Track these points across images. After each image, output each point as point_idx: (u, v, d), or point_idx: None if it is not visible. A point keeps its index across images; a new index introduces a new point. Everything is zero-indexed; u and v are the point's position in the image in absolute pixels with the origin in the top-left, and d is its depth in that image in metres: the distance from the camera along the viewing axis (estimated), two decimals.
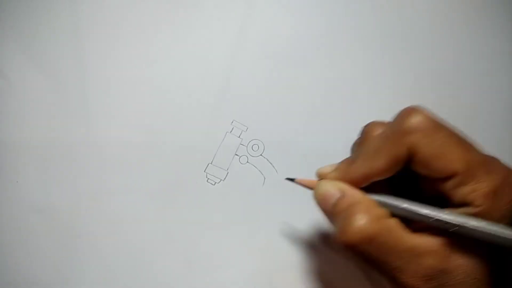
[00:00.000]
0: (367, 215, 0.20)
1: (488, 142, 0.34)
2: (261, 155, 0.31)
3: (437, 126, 0.20)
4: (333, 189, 0.23)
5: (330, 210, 0.22)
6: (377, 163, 0.21)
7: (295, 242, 0.31)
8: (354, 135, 0.32)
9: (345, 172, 0.23)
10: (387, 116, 0.32)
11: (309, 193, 0.31)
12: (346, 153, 0.32)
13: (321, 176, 0.24)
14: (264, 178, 0.31)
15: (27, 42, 0.31)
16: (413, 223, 0.21)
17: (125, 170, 0.31)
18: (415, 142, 0.20)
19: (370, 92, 0.32)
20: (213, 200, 0.31)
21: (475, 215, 0.19)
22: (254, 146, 0.31)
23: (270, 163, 0.31)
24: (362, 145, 0.23)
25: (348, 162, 0.23)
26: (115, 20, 0.31)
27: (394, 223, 0.21)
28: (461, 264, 0.20)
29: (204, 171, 0.31)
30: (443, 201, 0.21)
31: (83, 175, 0.31)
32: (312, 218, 0.31)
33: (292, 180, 0.26)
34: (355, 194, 0.22)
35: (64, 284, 0.30)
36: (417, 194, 0.22)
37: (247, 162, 0.31)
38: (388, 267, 0.20)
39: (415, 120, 0.20)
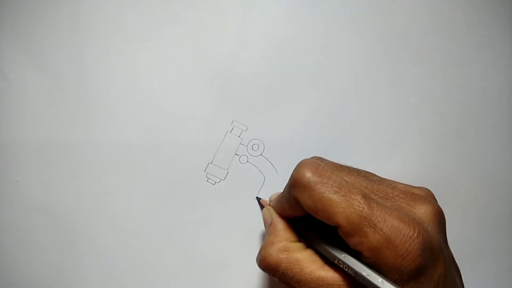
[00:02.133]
0: (276, 246, 0.24)
1: (488, 142, 0.34)
2: (261, 154, 0.31)
3: (319, 181, 0.21)
4: (267, 215, 0.27)
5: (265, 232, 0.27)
6: (284, 205, 0.25)
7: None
8: (354, 135, 0.32)
9: (275, 203, 0.27)
10: (387, 115, 0.33)
11: None
12: (345, 154, 0.32)
13: (269, 200, 0.29)
14: (264, 178, 0.31)
15: (27, 42, 0.31)
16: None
17: (125, 170, 0.31)
18: (297, 196, 0.22)
19: (370, 92, 0.33)
20: (213, 199, 0.31)
21: (368, 264, 0.21)
22: (254, 146, 0.31)
23: (270, 163, 0.31)
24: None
25: (278, 195, 0.27)
26: (115, 20, 0.31)
27: (305, 254, 0.23)
28: None
29: (204, 171, 0.31)
30: None
31: (83, 175, 0.31)
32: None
33: (258, 200, 0.31)
34: (278, 224, 0.25)
35: (64, 284, 0.30)
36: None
37: (247, 161, 0.31)
38: None
39: (298, 175, 0.22)
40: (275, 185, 0.31)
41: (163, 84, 0.31)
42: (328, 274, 0.22)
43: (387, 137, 0.33)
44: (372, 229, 0.20)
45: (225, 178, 0.31)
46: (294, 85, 0.32)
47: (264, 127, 0.32)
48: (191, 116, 0.31)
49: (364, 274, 0.20)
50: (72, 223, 0.31)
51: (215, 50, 0.32)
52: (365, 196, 0.21)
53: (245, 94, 0.32)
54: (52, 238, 0.31)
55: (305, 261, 0.23)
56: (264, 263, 0.24)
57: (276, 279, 0.23)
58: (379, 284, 0.20)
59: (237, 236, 0.31)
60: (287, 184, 0.24)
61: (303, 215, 0.24)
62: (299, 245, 0.24)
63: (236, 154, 0.31)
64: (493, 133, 0.34)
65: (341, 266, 0.22)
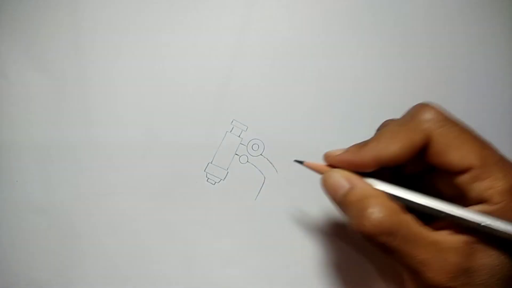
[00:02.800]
0: (383, 208, 0.20)
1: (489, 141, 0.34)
2: (261, 154, 0.31)
3: (452, 120, 0.21)
4: (342, 179, 0.22)
5: (340, 200, 0.22)
6: (391, 146, 0.21)
7: (295, 242, 0.31)
8: (354, 135, 0.32)
9: (354, 153, 0.22)
10: (387, 115, 0.33)
11: (309, 191, 0.31)
12: None
13: (328, 158, 0.24)
14: (264, 178, 0.31)
15: (27, 42, 0.31)
16: (429, 221, 0.20)
17: (125, 170, 0.31)
18: (431, 130, 0.20)
19: (370, 92, 0.32)
20: (213, 199, 0.31)
21: (494, 213, 0.19)
22: (254, 145, 0.31)
23: (270, 163, 0.31)
24: (376, 134, 0.23)
25: (359, 145, 0.22)
26: (115, 20, 0.31)
27: (410, 218, 0.20)
28: (485, 263, 0.19)
29: (204, 171, 0.31)
30: (459, 201, 0.20)
31: (83, 175, 0.31)
32: (312, 218, 0.31)
33: (301, 162, 0.25)
34: (365, 186, 0.21)
35: (64, 284, 0.30)
36: (429, 193, 0.21)
37: (247, 161, 0.31)
38: (412, 260, 0.19)
39: (431, 112, 0.21)
40: (275, 185, 0.31)
41: (163, 84, 0.31)
42: (445, 237, 0.20)
43: None
44: (505, 173, 0.19)
45: (225, 178, 0.31)
46: (294, 85, 0.32)
47: (264, 127, 0.32)
48: (191, 116, 0.31)
49: (502, 225, 0.18)
50: (72, 223, 0.31)
51: (215, 50, 0.32)
52: (488, 142, 0.20)
53: (245, 94, 0.32)
54: (52, 238, 0.31)
55: (416, 224, 0.20)
56: (377, 228, 0.19)
57: (383, 250, 0.20)
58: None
59: (237, 236, 0.31)
60: (405, 122, 0.21)
61: (398, 164, 0.21)
62: (401, 207, 0.21)
63: (236, 154, 0.31)
64: (493, 133, 0.34)
65: (464, 224, 0.19)
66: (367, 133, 0.32)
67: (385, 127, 0.22)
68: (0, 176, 0.31)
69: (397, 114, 0.33)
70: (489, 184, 0.19)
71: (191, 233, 0.31)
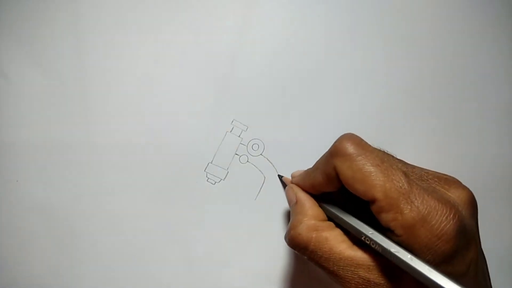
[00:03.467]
0: (305, 224, 0.24)
1: (488, 142, 0.34)
2: (261, 154, 0.31)
3: (360, 153, 0.22)
4: (291, 194, 0.27)
5: (290, 210, 0.27)
6: (317, 178, 0.24)
7: None
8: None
9: (302, 179, 0.27)
10: (387, 115, 0.33)
11: None
12: None
13: (292, 178, 0.29)
14: (264, 178, 0.31)
15: (27, 42, 0.31)
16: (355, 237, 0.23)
17: (125, 170, 0.31)
18: (337, 164, 0.22)
19: (370, 92, 0.33)
20: (213, 199, 0.31)
21: (398, 242, 0.20)
22: (254, 145, 0.31)
23: (270, 163, 0.31)
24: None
25: (306, 171, 0.27)
26: (115, 20, 0.31)
27: (334, 234, 0.23)
28: (391, 283, 0.21)
29: (204, 171, 0.31)
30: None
31: (83, 175, 0.31)
32: None
33: (281, 177, 0.31)
34: (305, 202, 0.25)
35: (64, 284, 0.30)
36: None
37: (247, 161, 0.31)
38: (326, 270, 0.23)
39: (341, 145, 0.22)
40: (275, 185, 0.31)
41: (163, 83, 0.31)
42: (358, 254, 0.22)
43: (387, 137, 0.33)
44: (409, 206, 0.20)
45: (225, 178, 0.31)
46: (294, 85, 0.32)
47: (264, 127, 0.32)
48: (191, 115, 0.31)
49: (392, 250, 0.20)
50: (72, 223, 0.31)
51: (215, 50, 0.32)
52: (405, 174, 0.21)
53: (245, 94, 0.32)
54: (52, 238, 0.31)
55: (334, 240, 0.23)
56: (294, 242, 0.24)
57: (305, 258, 0.23)
58: (408, 261, 0.19)
59: (237, 236, 0.31)
60: (324, 155, 0.24)
61: (331, 190, 0.24)
62: (328, 224, 0.24)
63: (236, 154, 0.31)
64: (493, 133, 0.34)
65: (368, 243, 0.21)
66: (367, 133, 0.32)
67: (320, 158, 0.25)
68: (0, 176, 0.31)
69: (398, 114, 0.33)
70: (392, 216, 0.20)
71: (191, 232, 0.31)
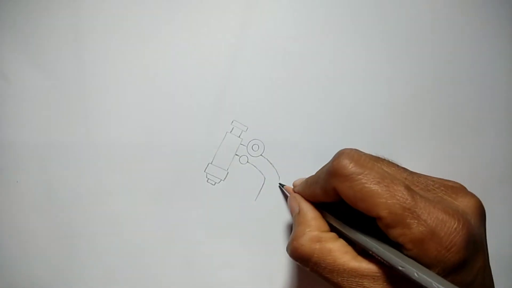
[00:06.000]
0: (308, 236, 0.23)
1: (488, 143, 0.34)
2: (261, 155, 0.31)
3: (360, 172, 0.21)
4: (295, 203, 0.27)
5: (293, 219, 0.27)
6: (316, 191, 0.24)
7: None
8: (354, 135, 0.32)
9: (301, 189, 0.27)
10: (387, 116, 0.33)
11: None
12: None
13: (293, 187, 0.29)
14: (264, 178, 0.31)
15: (27, 42, 0.31)
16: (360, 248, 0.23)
17: (125, 170, 0.31)
18: (337, 185, 0.22)
19: (371, 92, 0.32)
20: (213, 200, 0.31)
21: (408, 256, 0.20)
22: (254, 146, 0.31)
23: (270, 163, 0.31)
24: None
25: (306, 181, 0.27)
26: (115, 20, 0.31)
27: (337, 245, 0.23)
28: None
29: (204, 171, 0.31)
30: None
31: (83, 175, 0.31)
32: None
33: (282, 186, 0.31)
34: (308, 212, 0.25)
35: (64, 284, 0.30)
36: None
37: (247, 162, 0.31)
38: (330, 282, 0.22)
39: (340, 165, 0.22)
40: (275, 185, 0.31)
41: (163, 84, 0.31)
42: (362, 265, 0.21)
43: (387, 138, 0.33)
44: (416, 221, 0.20)
45: (225, 179, 0.31)
46: (294, 85, 0.32)
47: (264, 127, 0.32)
48: (191, 116, 0.31)
49: (398, 267, 0.20)
50: (72, 223, 0.31)
51: (215, 50, 0.31)
52: (407, 188, 0.21)
53: (245, 94, 0.31)
54: (52, 238, 0.31)
55: (338, 251, 0.22)
56: (296, 254, 0.23)
57: (307, 269, 0.23)
58: (414, 278, 0.19)
59: (237, 236, 0.31)
60: (323, 171, 0.24)
61: (334, 201, 0.24)
62: (331, 235, 0.24)
63: (236, 155, 0.31)
64: (493, 133, 0.34)
65: (376, 256, 0.21)
66: (367, 133, 0.32)
67: (319, 170, 0.25)
68: (0, 176, 0.31)
69: (397, 115, 0.33)
70: (400, 232, 0.20)
71: (191, 233, 0.31)
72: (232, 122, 0.31)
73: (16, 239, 0.31)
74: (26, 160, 0.31)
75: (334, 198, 0.23)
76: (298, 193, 0.27)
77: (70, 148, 0.31)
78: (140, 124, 0.31)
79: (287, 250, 0.25)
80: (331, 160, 0.23)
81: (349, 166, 0.21)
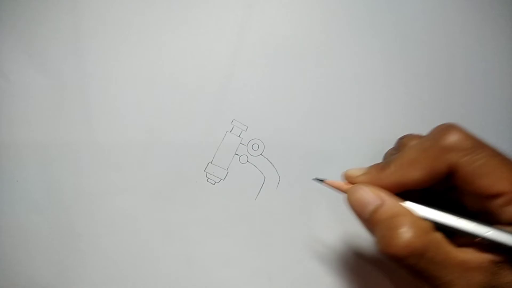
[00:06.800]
0: (414, 228, 0.20)
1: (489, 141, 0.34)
2: (261, 154, 0.31)
3: (478, 145, 0.20)
4: (371, 195, 0.21)
5: (367, 217, 0.21)
6: (413, 174, 0.21)
7: (295, 242, 0.31)
8: (354, 135, 0.32)
9: (375, 176, 0.22)
10: (387, 115, 0.33)
11: (309, 191, 0.31)
12: (346, 154, 0.32)
13: (349, 179, 0.23)
14: (264, 178, 0.31)
15: (28, 42, 0.31)
16: (455, 238, 0.20)
17: (125, 170, 0.31)
18: (456, 160, 0.20)
19: (370, 92, 0.32)
20: (213, 199, 0.31)
21: None
22: (254, 145, 0.31)
23: (270, 163, 0.31)
24: (396, 154, 0.23)
25: (379, 167, 0.22)
26: (115, 20, 0.31)
27: (440, 237, 0.20)
28: (510, 281, 0.19)
29: (204, 171, 0.31)
30: (486, 217, 0.20)
31: (83, 175, 0.31)
32: (311, 218, 0.31)
33: (321, 181, 0.25)
34: (395, 203, 0.21)
35: (65, 284, 0.30)
36: (457, 207, 0.21)
37: (247, 161, 0.31)
38: (438, 281, 0.19)
39: (455, 138, 0.20)
40: (275, 185, 0.31)
41: (163, 83, 0.31)
42: (472, 255, 0.19)
43: (387, 137, 0.33)
44: None
45: (225, 178, 0.31)
46: (294, 85, 0.32)
47: (264, 127, 0.32)
48: (191, 115, 0.31)
49: None
50: (73, 223, 0.31)
51: (215, 50, 0.32)
52: None
53: (245, 93, 0.32)
54: (52, 238, 0.31)
55: (445, 243, 0.20)
56: (406, 250, 0.19)
57: (411, 270, 0.20)
58: None
59: (237, 236, 0.31)
60: (426, 147, 0.21)
61: (424, 187, 0.21)
62: (431, 225, 0.20)
63: (236, 154, 0.31)
64: (493, 133, 0.34)
65: (492, 244, 0.19)
66: (366, 133, 0.32)
67: (407, 149, 0.22)
68: (0, 176, 0.31)
69: (397, 115, 0.33)
70: None
71: (191, 233, 0.31)
72: (232, 121, 0.31)
73: (16, 239, 0.31)
74: (26, 160, 0.31)
75: (434, 182, 0.21)
76: (369, 182, 0.22)
77: (70, 148, 0.31)
78: (140, 124, 0.31)
79: (387, 250, 0.20)
80: (435, 135, 0.20)
81: (468, 140, 0.20)
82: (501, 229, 0.19)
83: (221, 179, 0.31)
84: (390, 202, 0.21)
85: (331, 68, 0.32)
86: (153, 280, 0.31)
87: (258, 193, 0.31)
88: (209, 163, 0.31)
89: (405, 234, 0.19)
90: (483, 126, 0.34)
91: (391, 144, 0.33)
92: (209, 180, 0.31)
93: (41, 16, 0.31)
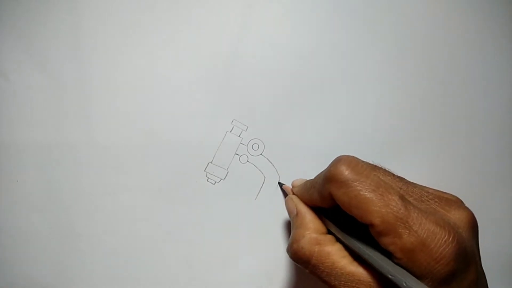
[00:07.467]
0: (307, 238, 0.24)
1: (488, 143, 0.34)
2: (261, 154, 0.31)
3: (356, 179, 0.21)
4: (293, 206, 0.27)
5: (291, 221, 0.27)
6: (314, 196, 0.25)
7: None
8: (354, 135, 0.32)
9: (300, 191, 0.27)
10: (386, 115, 0.33)
11: None
12: (346, 153, 0.32)
13: (292, 187, 0.29)
14: (264, 178, 0.31)
15: (27, 42, 0.31)
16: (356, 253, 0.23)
17: (125, 170, 0.31)
18: (332, 190, 0.22)
19: (370, 92, 0.33)
20: (213, 199, 0.31)
21: (399, 265, 0.20)
22: (254, 145, 0.31)
23: (270, 163, 0.31)
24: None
25: (305, 184, 0.27)
26: (115, 19, 0.31)
27: (335, 248, 0.23)
28: None
29: (204, 171, 0.31)
30: None
31: (83, 175, 0.31)
32: None
33: (282, 185, 0.31)
34: (306, 215, 0.26)
35: (65, 284, 0.30)
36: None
37: (247, 161, 0.31)
38: (328, 285, 0.23)
39: (336, 170, 0.22)
40: (275, 185, 0.31)
41: (163, 83, 0.31)
42: (359, 270, 0.22)
43: (387, 139, 0.33)
44: (407, 231, 0.20)
45: (225, 178, 0.31)
46: (294, 85, 0.32)
47: (264, 127, 0.32)
48: (191, 115, 0.31)
49: (388, 275, 0.20)
50: (72, 223, 0.31)
51: (215, 50, 0.32)
52: (402, 197, 0.21)
53: (245, 94, 0.32)
54: (52, 238, 0.31)
55: (336, 255, 0.23)
56: (297, 256, 0.24)
57: (307, 271, 0.24)
58: (402, 287, 0.19)
59: (237, 236, 0.31)
60: (320, 176, 0.24)
61: (331, 207, 0.24)
62: (329, 237, 0.24)
63: (236, 154, 0.31)
64: (493, 133, 0.34)
65: (368, 263, 0.21)
66: (366, 133, 0.32)
67: (317, 175, 0.25)
68: (0, 176, 0.31)
69: (396, 115, 0.33)
70: (391, 241, 0.20)
71: (191, 232, 0.31)
72: (232, 121, 0.31)
73: (16, 239, 0.31)
74: (26, 160, 0.31)
75: (331, 204, 0.23)
76: (296, 195, 0.28)
77: (70, 148, 0.31)
78: (140, 123, 0.31)
79: (287, 252, 0.25)
80: (328, 166, 0.23)
81: (346, 173, 0.22)
82: (374, 254, 0.21)
83: (221, 179, 0.31)
84: (301, 214, 0.26)
85: (332, 68, 0.32)
86: (153, 280, 0.31)
87: (258, 193, 0.31)
88: (209, 163, 0.31)
89: (298, 243, 0.24)
90: (483, 126, 0.34)
91: (391, 145, 0.33)
92: (209, 180, 0.31)
93: (41, 16, 0.31)
